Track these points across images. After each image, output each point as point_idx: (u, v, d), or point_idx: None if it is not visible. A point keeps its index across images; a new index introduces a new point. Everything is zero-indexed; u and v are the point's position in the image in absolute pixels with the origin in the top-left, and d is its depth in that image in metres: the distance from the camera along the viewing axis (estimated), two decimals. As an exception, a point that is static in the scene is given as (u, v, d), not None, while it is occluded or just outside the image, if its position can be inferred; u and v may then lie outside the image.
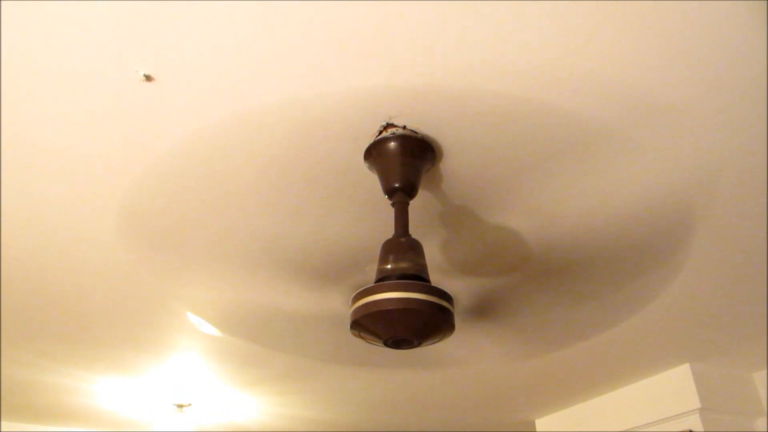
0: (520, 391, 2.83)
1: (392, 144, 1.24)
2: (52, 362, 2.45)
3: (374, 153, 1.27)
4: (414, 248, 1.21)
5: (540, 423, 3.21)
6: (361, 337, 1.17)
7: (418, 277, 1.15)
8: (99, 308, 1.97)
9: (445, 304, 1.12)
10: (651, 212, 1.50)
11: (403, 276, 1.14)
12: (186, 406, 3.02)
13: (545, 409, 3.10)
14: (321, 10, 0.99)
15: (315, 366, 2.48)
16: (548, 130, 1.24)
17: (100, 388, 2.79)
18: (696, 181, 1.39)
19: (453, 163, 1.33)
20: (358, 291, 1.12)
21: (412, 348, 1.18)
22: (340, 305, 1.91)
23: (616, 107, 1.18)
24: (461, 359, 2.41)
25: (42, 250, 1.63)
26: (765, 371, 2.62)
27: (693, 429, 2.39)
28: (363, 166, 1.32)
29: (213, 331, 2.16)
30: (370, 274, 1.23)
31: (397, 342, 1.15)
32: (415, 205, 1.43)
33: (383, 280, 1.14)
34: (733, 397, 2.52)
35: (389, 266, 1.16)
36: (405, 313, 1.08)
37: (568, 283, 1.83)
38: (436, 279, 1.71)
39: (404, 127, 1.23)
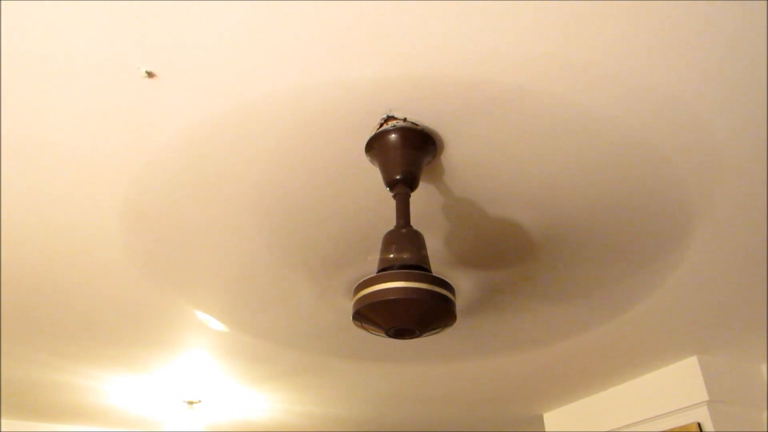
0: (528, 385, 2.83)
1: (393, 136, 1.25)
2: (63, 361, 2.48)
3: (375, 146, 1.28)
4: (415, 239, 1.22)
5: (548, 417, 3.22)
6: (363, 328, 1.18)
7: (419, 268, 1.16)
8: (107, 306, 2.00)
9: (446, 293, 1.12)
10: (654, 202, 1.50)
11: (405, 266, 1.15)
12: (196, 402, 3.05)
13: (553, 403, 3.11)
14: (320, 3, 1.00)
15: (323, 361, 2.50)
16: (548, 121, 1.24)
17: (110, 386, 2.82)
18: (699, 169, 1.39)
19: (454, 155, 1.34)
20: (360, 281, 1.13)
21: (413, 338, 1.18)
22: (344, 299, 1.93)
23: (615, 97, 1.18)
24: (466, 352, 2.41)
25: (47, 248, 1.66)
26: (774, 363, 2.61)
27: (701, 421, 2.38)
28: (364, 159, 1.33)
29: (221, 327, 2.18)
30: (373, 265, 1.24)
31: (399, 332, 1.16)
32: (416, 198, 1.45)
33: (385, 270, 1.15)
34: (741, 388, 2.51)
35: (391, 256, 1.17)
36: (406, 303, 1.09)
37: (571, 275, 1.83)
38: (438, 271, 1.73)
39: (405, 120, 1.24)
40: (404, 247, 1.19)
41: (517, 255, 1.72)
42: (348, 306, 1.96)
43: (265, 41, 1.06)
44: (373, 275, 1.13)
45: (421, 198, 1.46)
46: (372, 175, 1.38)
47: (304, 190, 1.45)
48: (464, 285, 1.85)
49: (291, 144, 1.31)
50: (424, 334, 1.18)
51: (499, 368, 2.61)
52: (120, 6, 0.99)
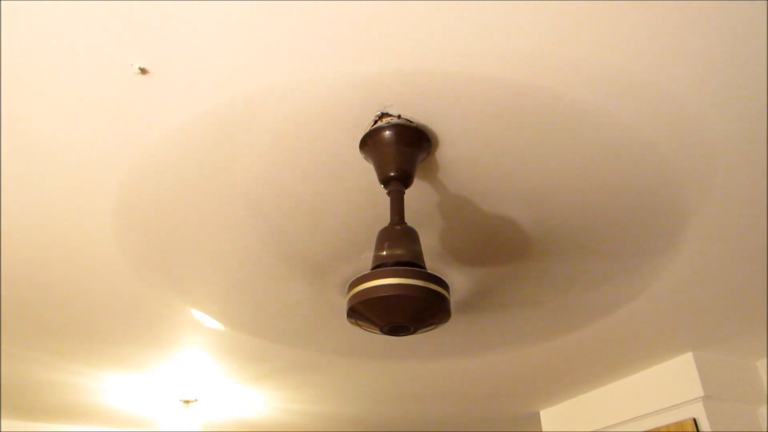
0: (524, 382, 2.83)
1: (387, 133, 1.25)
2: (58, 360, 2.48)
3: (369, 142, 1.28)
4: (409, 236, 1.22)
5: (544, 414, 3.22)
6: (357, 325, 1.18)
7: (413, 264, 1.16)
8: (102, 304, 1.99)
9: (440, 290, 1.12)
10: (649, 199, 1.50)
11: (399, 263, 1.15)
12: (192, 401, 3.04)
13: (549, 400, 3.11)
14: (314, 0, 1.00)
15: (318, 359, 2.50)
16: (544, 118, 1.24)
17: (105, 385, 2.82)
18: (695, 167, 1.39)
19: (449, 152, 1.34)
20: (354, 278, 1.13)
21: (408, 335, 1.18)
22: (339, 296, 1.93)
23: (611, 95, 1.18)
24: (462, 349, 2.41)
25: (43, 246, 1.65)
26: (768, 359, 2.62)
27: (696, 417, 2.39)
28: (359, 156, 1.33)
29: (217, 326, 2.18)
30: (367, 262, 1.24)
31: (394, 328, 1.16)
32: (411, 195, 1.45)
33: (379, 267, 1.15)
34: (736, 384, 2.52)
35: (384, 253, 1.17)
36: (400, 299, 1.09)
37: (566, 271, 1.83)
38: (434, 268, 1.73)
39: (399, 116, 1.24)
40: (398, 243, 1.19)
41: (511, 252, 1.72)
42: (343, 303, 1.96)
43: (259, 38, 1.06)
44: (366, 272, 1.13)
45: (416, 195, 1.46)
46: (366, 172, 1.38)
47: (299, 187, 1.44)
48: (459, 282, 1.85)
49: (285, 141, 1.30)
50: (419, 331, 1.18)
51: (495, 365, 2.61)
52: (114, 3, 0.99)
